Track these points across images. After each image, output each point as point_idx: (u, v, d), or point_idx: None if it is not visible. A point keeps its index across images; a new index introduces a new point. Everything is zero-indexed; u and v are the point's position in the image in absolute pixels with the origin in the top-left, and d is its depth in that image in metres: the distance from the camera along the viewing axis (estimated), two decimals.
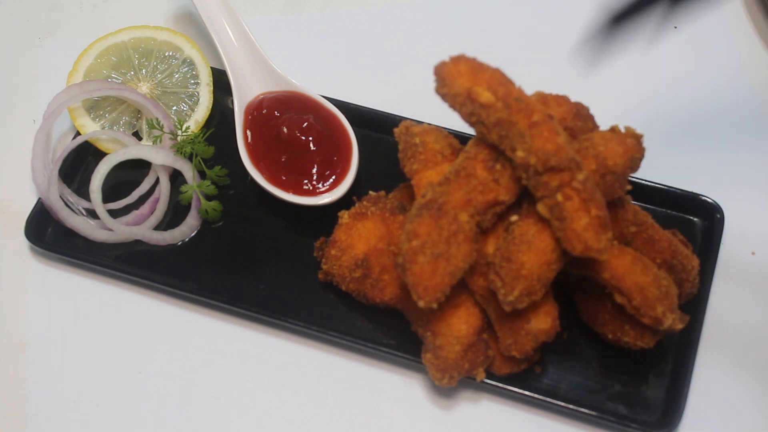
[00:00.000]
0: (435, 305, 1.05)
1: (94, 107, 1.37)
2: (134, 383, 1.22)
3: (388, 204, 1.20)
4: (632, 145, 1.10)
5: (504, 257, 1.05)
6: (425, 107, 1.24)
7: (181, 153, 1.32)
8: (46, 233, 1.30)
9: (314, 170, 1.28)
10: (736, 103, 1.42)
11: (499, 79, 1.10)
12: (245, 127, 1.32)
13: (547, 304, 1.10)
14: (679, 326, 1.09)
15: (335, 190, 1.27)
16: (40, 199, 1.31)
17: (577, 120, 1.17)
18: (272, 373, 1.22)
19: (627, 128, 1.13)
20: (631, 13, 1.01)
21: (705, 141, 1.39)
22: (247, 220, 1.31)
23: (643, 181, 1.28)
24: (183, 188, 1.30)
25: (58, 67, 1.41)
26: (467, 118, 1.10)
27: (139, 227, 1.29)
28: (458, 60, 1.11)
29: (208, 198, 1.31)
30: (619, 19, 1.02)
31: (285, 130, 1.29)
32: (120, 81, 1.38)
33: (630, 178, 1.21)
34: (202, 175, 1.33)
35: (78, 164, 1.36)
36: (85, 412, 1.20)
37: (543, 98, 1.18)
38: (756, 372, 1.20)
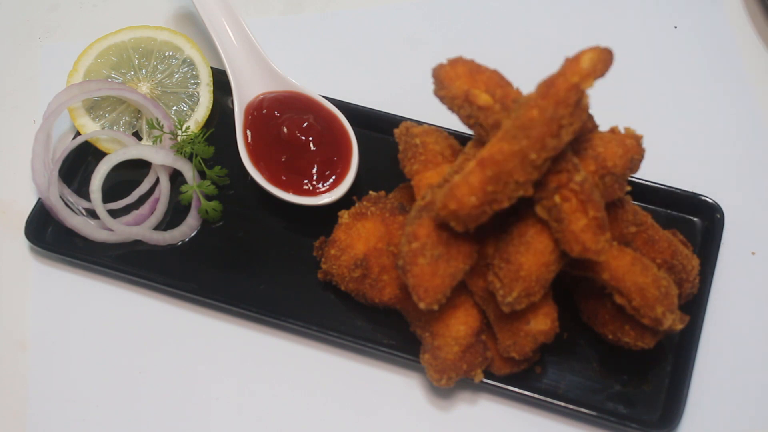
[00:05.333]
0: (436, 307, 1.05)
1: (94, 107, 1.37)
2: (134, 383, 1.22)
3: (388, 204, 1.20)
4: (632, 146, 1.10)
5: (503, 258, 1.05)
6: (425, 107, 1.24)
7: (181, 153, 1.32)
8: (46, 233, 1.30)
9: (314, 170, 1.28)
10: (736, 103, 1.41)
11: (496, 81, 1.10)
12: (245, 127, 1.32)
13: (547, 306, 1.10)
14: (679, 326, 1.09)
15: (335, 190, 1.27)
16: (40, 199, 1.31)
17: None
18: (272, 372, 1.22)
19: (627, 129, 1.13)
20: None
21: (705, 141, 1.38)
22: (247, 220, 1.31)
23: (643, 181, 1.27)
24: (183, 188, 1.30)
25: (58, 67, 1.42)
26: (465, 120, 1.10)
27: (139, 227, 1.29)
28: (456, 62, 1.11)
29: (208, 198, 1.31)
30: None
31: (285, 130, 1.29)
32: (120, 81, 1.38)
33: (630, 179, 1.21)
34: (202, 175, 1.33)
35: (78, 164, 1.36)
36: (85, 412, 1.20)
37: None
38: (756, 372, 1.20)
